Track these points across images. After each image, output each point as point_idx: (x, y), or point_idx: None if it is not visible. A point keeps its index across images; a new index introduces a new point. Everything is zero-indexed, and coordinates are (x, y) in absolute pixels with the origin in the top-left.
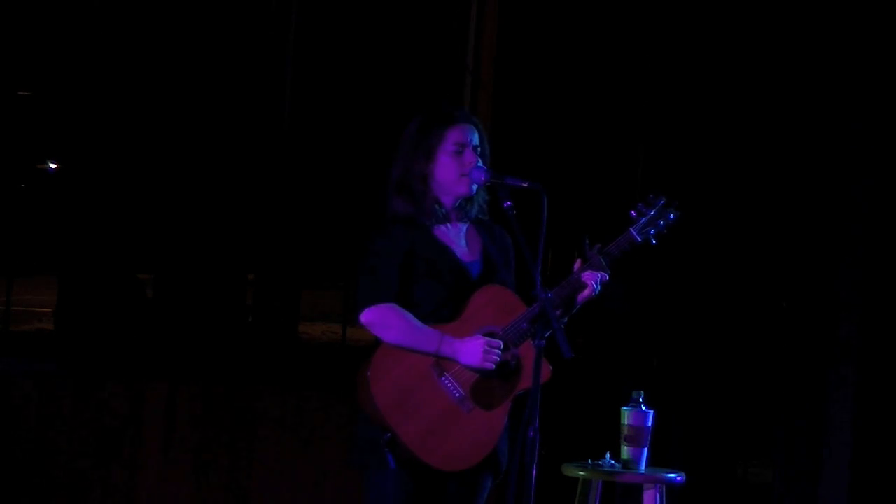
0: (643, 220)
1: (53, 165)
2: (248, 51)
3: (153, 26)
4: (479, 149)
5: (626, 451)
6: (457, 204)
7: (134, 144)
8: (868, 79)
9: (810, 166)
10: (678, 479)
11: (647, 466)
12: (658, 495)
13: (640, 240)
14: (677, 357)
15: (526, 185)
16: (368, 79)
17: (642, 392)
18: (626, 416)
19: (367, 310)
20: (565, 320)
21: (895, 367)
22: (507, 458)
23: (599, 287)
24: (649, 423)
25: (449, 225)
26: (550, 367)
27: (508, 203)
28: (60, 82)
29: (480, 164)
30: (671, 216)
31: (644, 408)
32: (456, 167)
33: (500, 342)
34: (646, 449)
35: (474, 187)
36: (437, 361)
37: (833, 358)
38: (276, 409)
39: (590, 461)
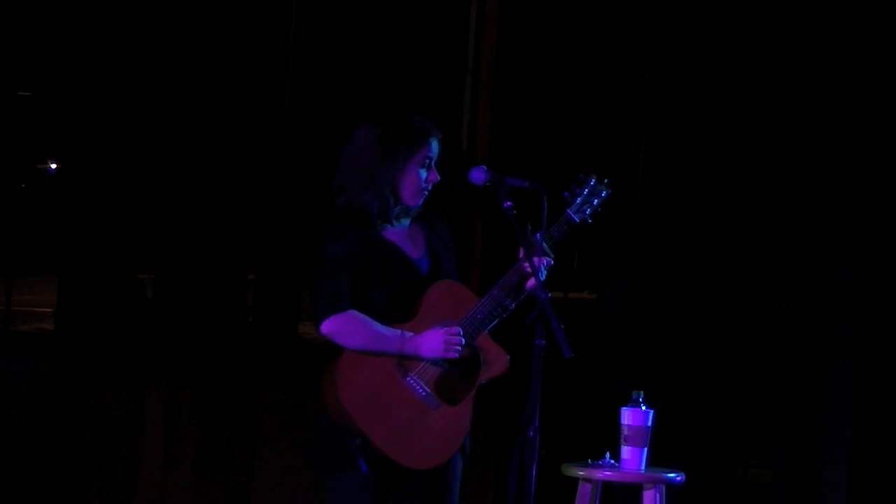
0: (578, 199)
1: (53, 165)
2: (249, 51)
3: (153, 26)
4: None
5: (626, 451)
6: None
7: (134, 144)
8: (870, 74)
9: (810, 165)
10: (678, 479)
11: (647, 466)
12: (658, 495)
13: (577, 220)
14: (677, 357)
15: (526, 185)
16: (368, 79)
17: (642, 392)
18: (626, 416)
19: (326, 321)
20: (562, 326)
21: (894, 367)
22: (470, 438)
23: (545, 272)
24: (649, 423)
25: (395, 223)
26: (507, 357)
27: (508, 203)
28: (60, 82)
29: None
30: (603, 193)
31: (644, 408)
32: (419, 181)
33: (459, 328)
34: (646, 449)
35: (421, 201)
36: (400, 362)
37: (832, 358)
38: (276, 409)
39: (590, 461)
